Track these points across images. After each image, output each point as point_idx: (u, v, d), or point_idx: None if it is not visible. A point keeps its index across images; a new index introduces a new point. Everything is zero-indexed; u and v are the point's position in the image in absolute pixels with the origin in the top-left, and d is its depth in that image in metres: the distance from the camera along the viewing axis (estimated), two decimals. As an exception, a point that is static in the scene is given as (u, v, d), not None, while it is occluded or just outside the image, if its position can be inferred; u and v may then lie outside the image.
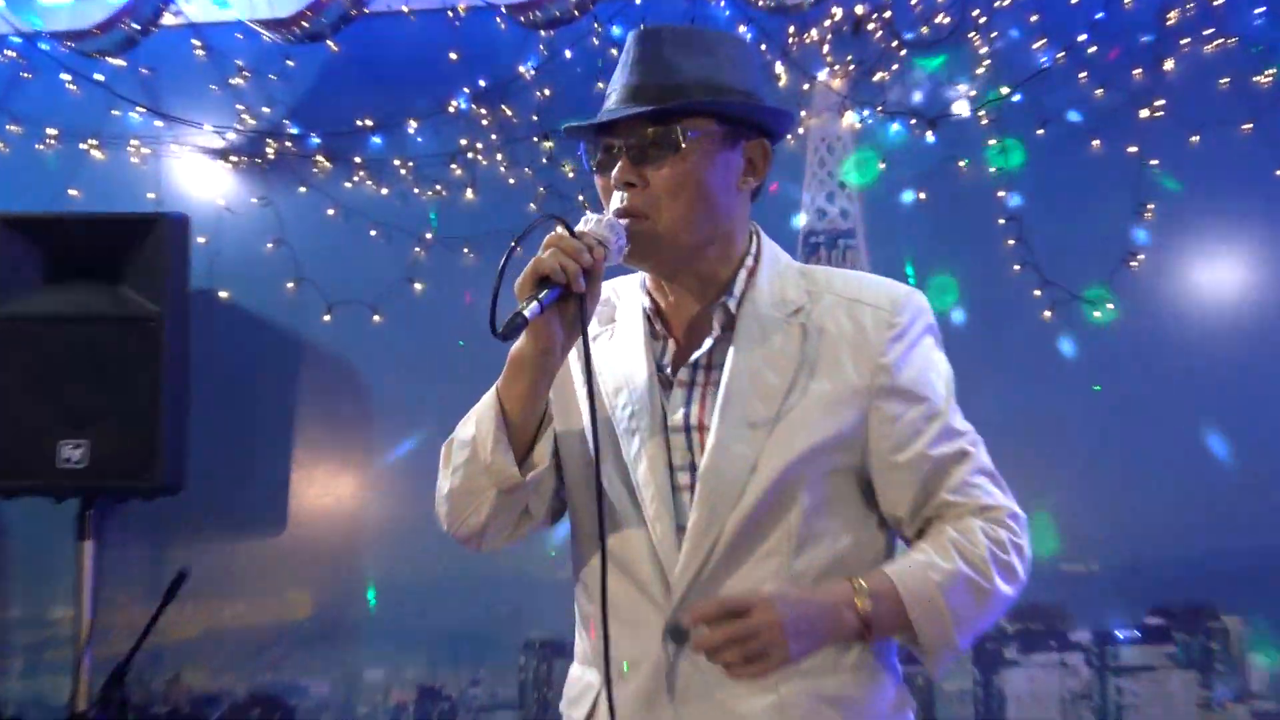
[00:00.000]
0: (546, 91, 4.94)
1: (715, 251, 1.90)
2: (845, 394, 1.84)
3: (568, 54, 4.90)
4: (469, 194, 5.02)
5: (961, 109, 4.72)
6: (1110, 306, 4.56)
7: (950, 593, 1.74)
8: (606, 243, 1.77)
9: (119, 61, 4.99)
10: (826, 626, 1.71)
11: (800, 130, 4.75)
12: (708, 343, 1.89)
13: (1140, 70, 4.61)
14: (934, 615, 1.73)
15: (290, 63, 5.08)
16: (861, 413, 1.85)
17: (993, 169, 4.68)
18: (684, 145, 1.81)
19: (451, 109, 4.98)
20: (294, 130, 5.09)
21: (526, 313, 1.67)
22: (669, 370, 1.91)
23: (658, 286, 1.94)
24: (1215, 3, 4.51)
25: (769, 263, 1.95)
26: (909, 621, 1.75)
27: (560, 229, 1.77)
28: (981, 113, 4.69)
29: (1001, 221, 4.66)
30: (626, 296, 2.00)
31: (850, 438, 1.85)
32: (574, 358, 1.90)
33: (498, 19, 4.88)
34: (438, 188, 5.01)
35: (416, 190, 5.02)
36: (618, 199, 1.84)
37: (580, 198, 4.74)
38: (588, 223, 1.80)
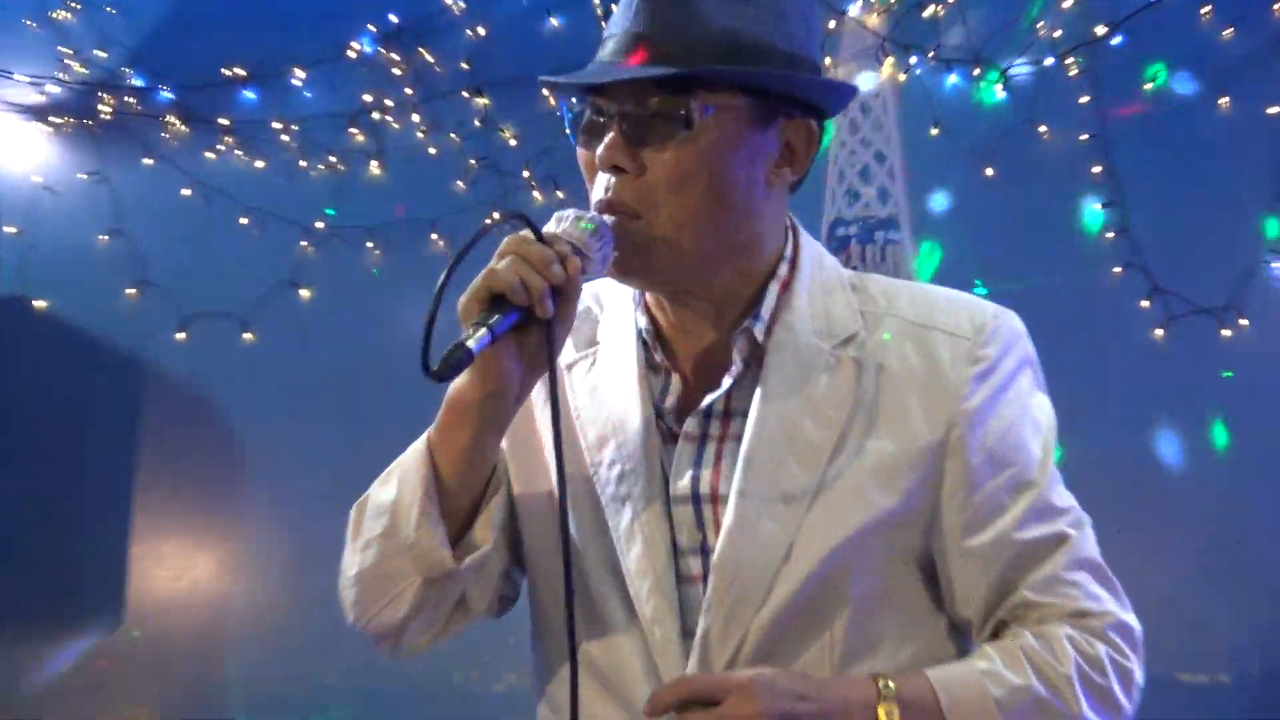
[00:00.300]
0: (480, 30, 4.65)
1: (735, 264, 1.70)
2: (912, 454, 1.66)
3: None
4: (374, 168, 4.75)
5: (1043, 56, 4.41)
6: (1244, 323, 4.24)
7: (1012, 716, 1.59)
8: (586, 250, 1.56)
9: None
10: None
11: None
12: (726, 382, 1.69)
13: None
14: None
15: None
16: (932, 478, 1.66)
17: (1084, 137, 4.35)
18: (697, 123, 1.60)
19: (352, 53, 4.70)
20: (137, 82, 4.85)
21: (472, 344, 1.46)
22: (673, 417, 1.73)
23: (657, 302, 1.75)
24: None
25: (810, 272, 1.74)
26: None
27: (525, 231, 1.56)
28: (1070, 61, 4.37)
29: (1097, 207, 4.34)
30: (614, 310, 1.82)
31: (916, 512, 1.66)
32: (540, 396, 1.74)
33: None
34: (333, 160, 4.73)
35: (304, 164, 4.75)
36: (602, 184, 1.63)
37: (526, 173, 4.57)
38: (561, 222, 1.59)
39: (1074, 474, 1.78)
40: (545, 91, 4.45)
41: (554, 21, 4.53)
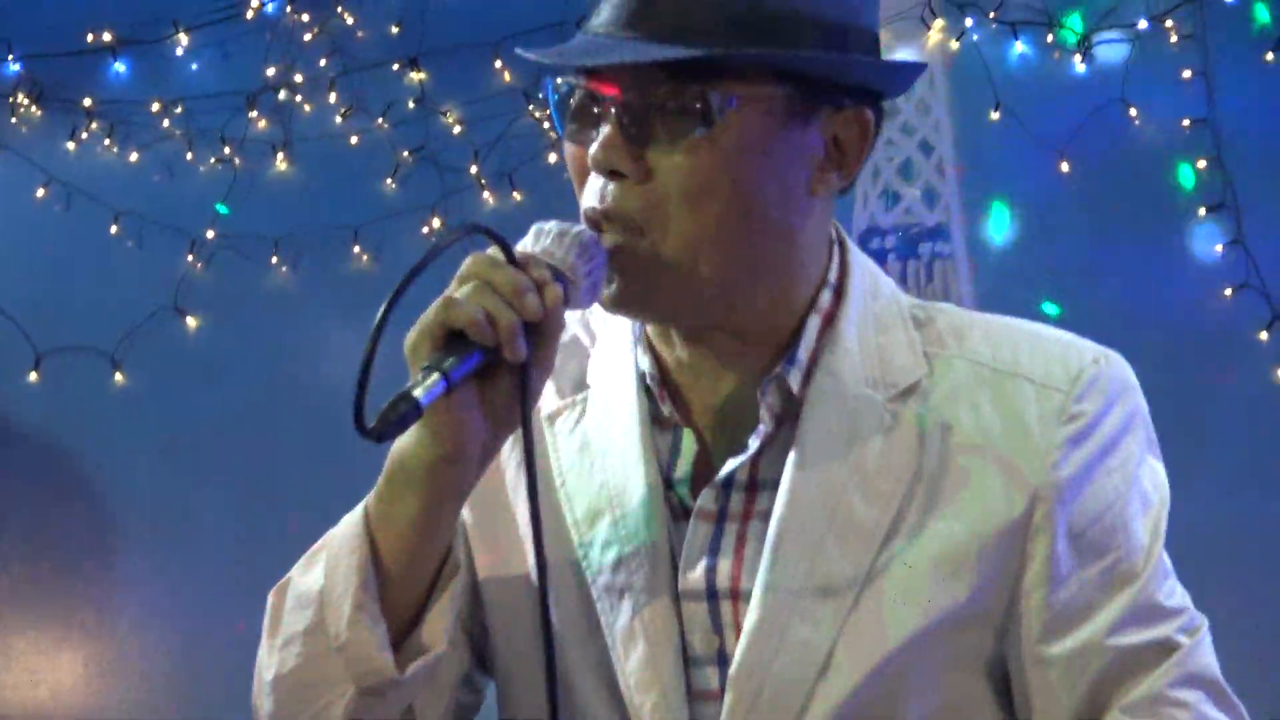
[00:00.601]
0: None
1: (765, 292, 1.54)
2: (986, 538, 1.50)
3: None
4: (280, 161, 4.40)
5: (1135, 17, 4.09)
6: None
7: None
8: (572, 275, 1.42)
9: None
10: None
11: None
12: (753, 444, 1.51)
13: None
14: None
15: None
16: (1009, 567, 1.51)
17: (1187, 123, 4.03)
18: (718, 119, 1.44)
19: (250, 14, 4.37)
20: None
21: (421, 393, 1.30)
22: (685, 487, 1.56)
23: (664, 336, 1.59)
24: None
25: (861, 302, 1.57)
26: None
27: (492, 250, 1.42)
28: (1169, 24, 4.02)
29: (1202, 212, 4.01)
30: (609, 343, 1.64)
31: (987, 610, 1.52)
32: (512, 453, 1.63)
33: None
34: (227, 151, 4.39)
35: (191, 156, 4.41)
36: (596, 190, 1.47)
37: (474, 169, 4.36)
38: (541, 238, 1.43)
39: (1179, 528, 1.63)
40: (500, 64, 4.21)
41: None
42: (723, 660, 1.57)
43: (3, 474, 4.46)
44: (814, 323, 1.58)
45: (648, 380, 1.62)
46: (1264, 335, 3.96)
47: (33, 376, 4.43)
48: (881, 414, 1.56)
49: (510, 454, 1.64)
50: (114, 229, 4.39)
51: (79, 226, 4.40)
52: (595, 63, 1.51)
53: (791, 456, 1.57)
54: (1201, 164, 4.01)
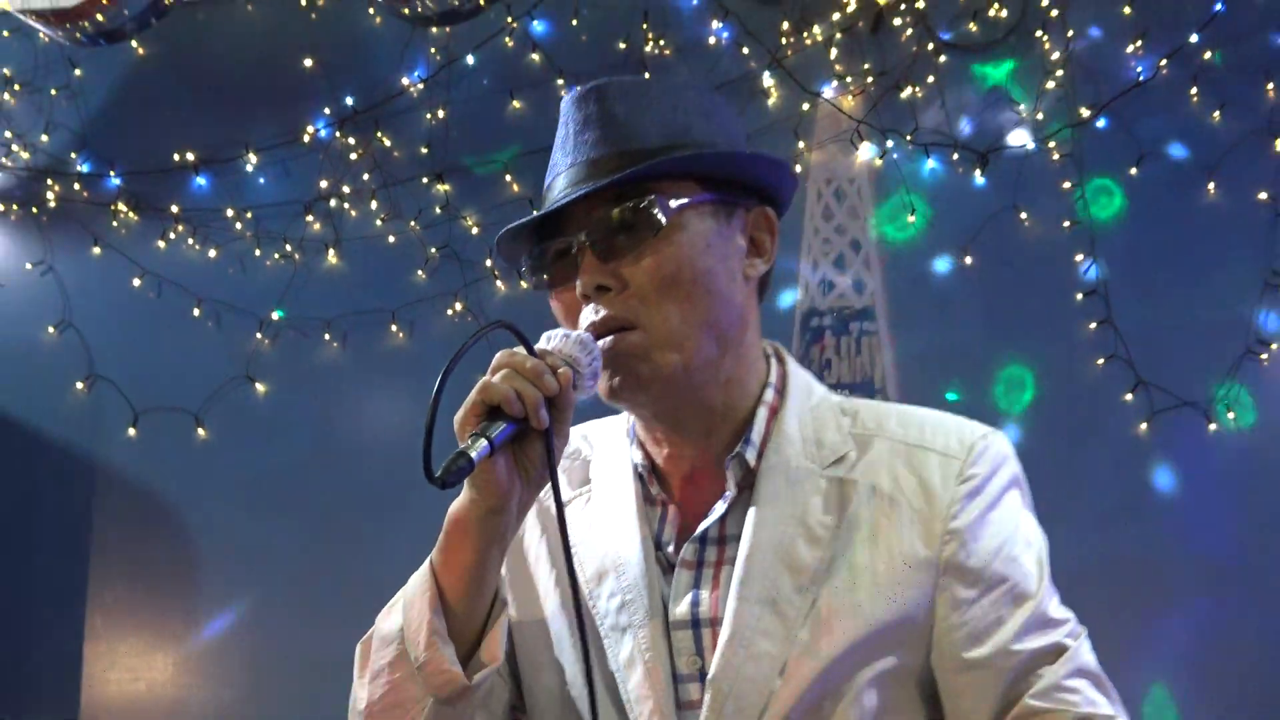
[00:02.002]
0: (440, 114, 4.60)
1: (727, 374, 1.78)
2: (905, 572, 1.73)
3: (470, 60, 4.61)
4: (331, 256, 4.68)
5: (1023, 139, 4.39)
6: (1231, 416, 4.20)
7: None
8: (576, 365, 1.62)
9: None
10: None
11: (798, 168, 4.39)
12: (720, 507, 1.77)
13: (1273, 87, 4.26)
14: None
15: (78, 71, 4.77)
16: (927, 594, 1.72)
17: (1066, 224, 4.33)
18: (665, 222, 1.70)
19: (306, 138, 4.66)
20: (84, 167, 4.78)
21: (473, 454, 1.50)
22: (671, 547, 1.80)
23: (650, 434, 1.84)
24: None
25: (798, 396, 1.85)
26: None
27: (519, 347, 1.61)
28: (1052, 144, 4.36)
29: (1079, 297, 4.31)
30: (605, 449, 1.90)
31: (911, 627, 1.72)
32: (533, 526, 1.87)
33: (371, 10, 4.63)
34: (288, 248, 4.66)
35: (259, 252, 4.68)
36: (589, 315, 1.70)
37: (489, 262, 4.51)
38: (550, 340, 1.64)
39: (1058, 565, 1.79)
40: (509, 178, 4.40)
41: (516, 104, 4.48)
42: (703, 677, 1.74)
43: (106, 511, 4.67)
44: (762, 413, 1.81)
45: (640, 470, 1.83)
46: (1129, 397, 4.22)
47: (131, 432, 4.64)
48: (818, 480, 1.78)
49: (531, 525, 1.85)
50: (196, 312, 4.63)
51: (168, 310, 4.64)
52: (561, 203, 1.70)
53: (750, 514, 1.75)
54: (1079, 259, 4.27)
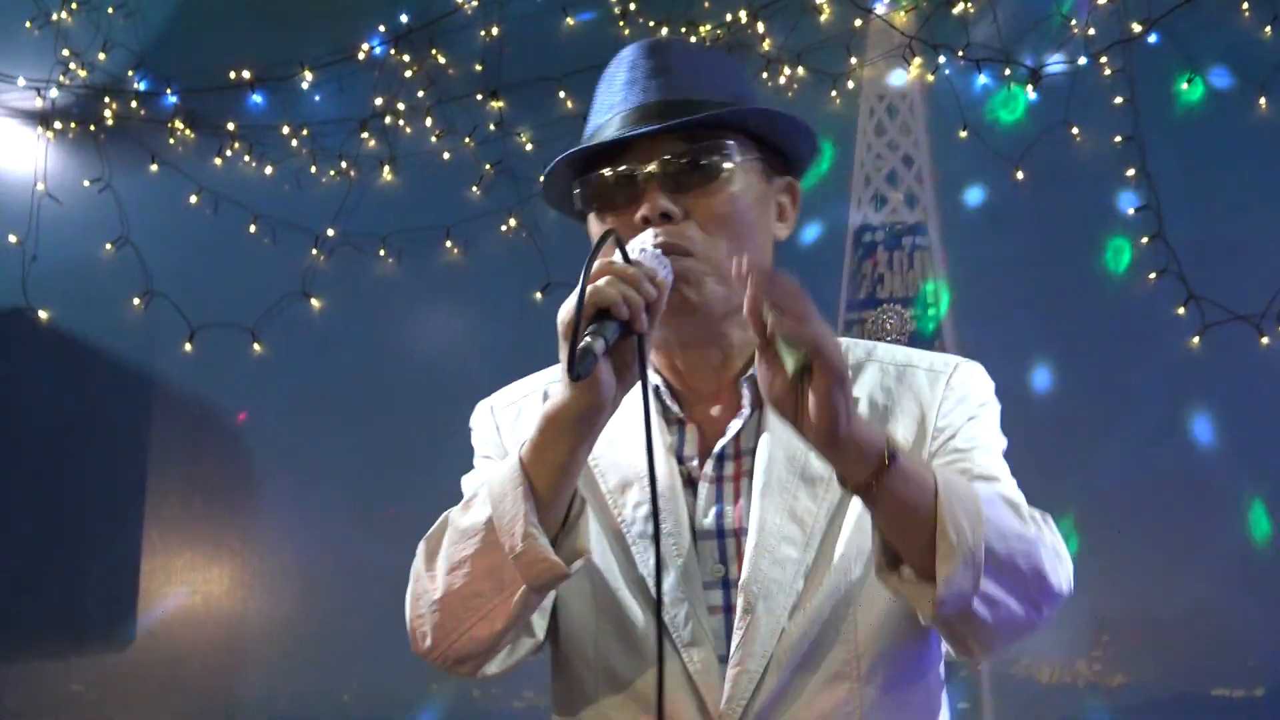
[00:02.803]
0: (494, 31, 4.64)
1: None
2: None
3: None
4: (386, 174, 4.73)
5: (1076, 55, 4.41)
6: None
7: (987, 502, 1.74)
8: (655, 276, 1.69)
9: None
10: (852, 409, 1.65)
11: (850, 84, 4.45)
12: (735, 424, 1.89)
13: None
14: (966, 507, 1.71)
15: None
16: None
17: (1118, 139, 4.36)
18: (732, 166, 1.85)
19: (361, 56, 4.71)
20: (142, 86, 4.83)
21: (597, 349, 1.58)
22: (694, 461, 1.91)
23: (666, 357, 1.95)
24: None
25: None
26: (934, 501, 1.70)
27: (615, 253, 1.68)
28: (1104, 60, 4.37)
29: (1131, 212, 4.35)
30: None
31: None
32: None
33: None
34: (343, 165, 4.72)
35: (314, 169, 4.75)
36: (645, 239, 1.78)
37: (542, 179, 4.12)
38: (635, 253, 1.71)
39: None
40: (563, 94, 4.47)
41: (570, 21, 4.54)
42: (726, 584, 1.87)
43: (163, 427, 4.75)
44: None
45: (660, 391, 1.94)
46: (1181, 310, 4.24)
47: (187, 347, 4.69)
48: None
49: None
50: (253, 228, 4.69)
51: (224, 226, 4.70)
52: (635, 134, 1.80)
53: (765, 433, 1.89)
54: (1130, 173, 4.31)
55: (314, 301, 4.70)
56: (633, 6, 4.47)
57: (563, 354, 1.61)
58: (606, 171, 1.84)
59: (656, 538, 1.73)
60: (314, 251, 4.71)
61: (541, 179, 1.92)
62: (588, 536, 1.78)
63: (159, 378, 4.76)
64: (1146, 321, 4.31)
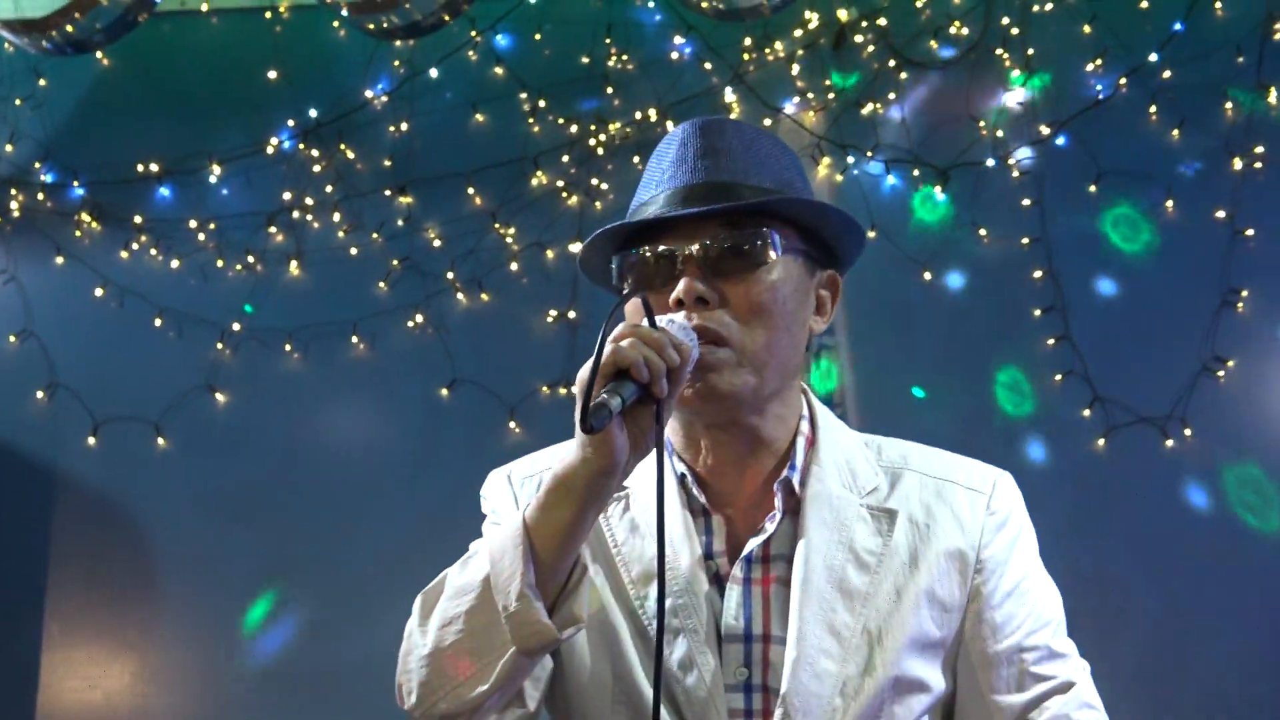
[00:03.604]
0: (404, 126, 4.62)
1: (778, 411, 1.90)
2: (943, 596, 1.88)
3: (434, 73, 4.62)
4: (294, 268, 4.66)
5: (984, 156, 4.39)
6: (1188, 434, 4.19)
7: None
8: (686, 347, 1.69)
9: None
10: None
11: None
12: (770, 526, 1.87)
13: (1232, 106, 4.29)
14: None
15: (43, 81, 4.74)
16: (960, 614, 1.89)
17: (1025, 240, 4.34)
18: (773, 258, 1.81)
19: (270, 150, 4.64)
20: (48, 177, 4.75)
21: (613, 405, 1.59)
22: (722, 559, 1.88)
23: (692, 445, 1.91)
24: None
25: (828, 431, 1.95)
26: None
27: (643, 319, 1.69)
28: (1012, 161, 4.36)
29: (1038, 313, 4.32)
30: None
31: (948, 646, 1.89)
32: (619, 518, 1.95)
33: (335, 24, 4.61)
34: (250, 260, 4.65)
35: (221, 263, 4.66)
36: (678, 317, 1.76)
37: (450, 275, 4.52)
38: (663, 321, 1.72)
39: None
40: (471, 191, 4.42)
41: (479, 117, 4.49)
42: (749, 688, 1.85)
43: (66, 519, 4.61)
44: (801, 443, 1.91)
45: (686, 480, 1.91)
46: (1086, 413, 4.22)
47: (91, 440, 4.59)
48: (859, 509, 1.90)
49: (618, 520, 1.91)
50: (158, 322, 4.60)
51: (130, 320, 4.61)
52: (682, 214, 1.79)
53: (803, 541, 1.86)
54: (1037, 275, 4.27)
55: (219, 395, 4.61)
56: (542, 104, 4.43)
57: (578, 410, 1.60)
58: (646, 250, 1.83)
59: (660, 612, 1.68)
60: (220, 346, 4.63)
61: (580, 248, 1.94)
62: (584, 605, 1.75)
63: (62, 471, 4.65)
64: (1052, 423, 4.27)
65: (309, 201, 4.63)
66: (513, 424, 4.40)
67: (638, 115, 4.43)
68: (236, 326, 4.63)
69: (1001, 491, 1.95)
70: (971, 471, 1.96)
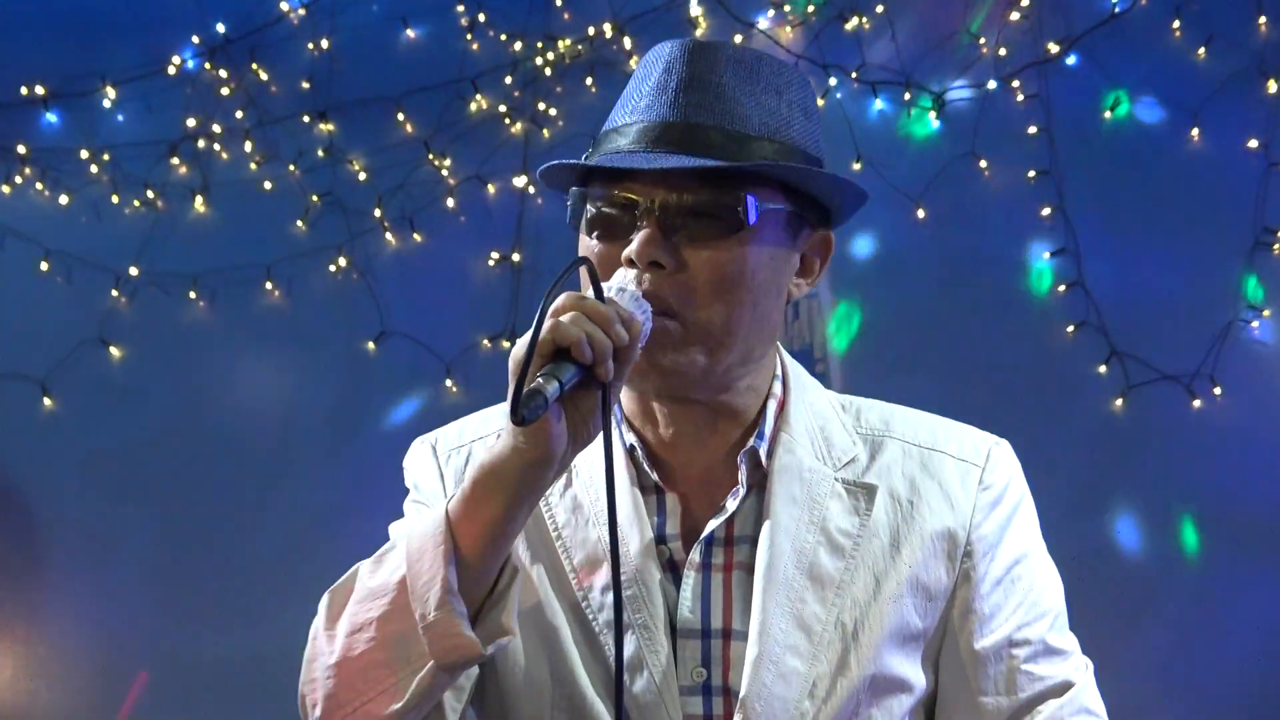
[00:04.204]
0: (324, 44, 4.48)
1: (746, 383, 1.84)
2: (927, 581, 1.82)
3: None
4: (199, 205, 4.55)
5: (985, 78, 4.28)
6: (1217, 392, 4.12)
7: None
8: (636, 324, 1.64)
9: None
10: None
11: None
12: (731, 504, 1.80)
13: (1266, 20, 4.16)
14: None
15: None
16: (947, 600, 1.84)
17: (1032, 173, 4.24)
18: (747, 225, 1.72)
19: (172, 70, 4.53)
20: None
21: (549, 391, 1.53)
22: (678, 542, 1.83)
23: (646, 413, 1.85)
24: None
25: (800, 393, 1.90)
26: None
27: (587, 290, 1.65)
28: (1016, 84, 4.25)
29: (1047, 256, 4.23)
30: None
31: (933, 639, 1.84)
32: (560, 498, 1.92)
33: None
34: (150, 195, 4.54)
35: (116, 199, 4.56)
36: (628, 282, 1.70)
37: (378, 212, 4.46)
38: (609, 289, 1.66)
39: None
40: (402, 117, 4.33)
41: (410, 33, 4.40)
42: (707, 690, 1.82)
43: None
44: (771, 407, 1.86)
45: (636, 453, 1.86)
46: (1103, 369, 4.16)
47: None
48: (832, 483, 1.85)
49: (558, 499, 1.88)
50: (45, 266, 4.53)
51: (12, 263, 4.54)
52: (658, 167, 1.73)
53: (769, 522, 1.82)
54: (1045, 212, 4.21)
55: (114, 350, 4.52)
56: (482, 18, 4.31)
57: (510, 396, 1.54)
58: (603, 193, 1.77)
59: (617, 605, 1.64)
60: (114, 293, 4.54)
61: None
62: (514, 614, 1.71)
63: (-66, 437, 4.48)
64: (1063, 381, 4.22)
65: (216, 129, 4.54)
66: (449, 382, 4.35)
67: (591, 31, 4.33)
68: (134, 271, 4.55)
69: (997, 463, 1.90)
70: (964, 440, 1.91)
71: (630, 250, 1.73)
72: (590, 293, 1.65)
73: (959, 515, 1.85)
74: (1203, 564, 4.15)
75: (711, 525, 1.82)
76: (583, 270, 1.70)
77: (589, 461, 1.86)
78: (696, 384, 1.79)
